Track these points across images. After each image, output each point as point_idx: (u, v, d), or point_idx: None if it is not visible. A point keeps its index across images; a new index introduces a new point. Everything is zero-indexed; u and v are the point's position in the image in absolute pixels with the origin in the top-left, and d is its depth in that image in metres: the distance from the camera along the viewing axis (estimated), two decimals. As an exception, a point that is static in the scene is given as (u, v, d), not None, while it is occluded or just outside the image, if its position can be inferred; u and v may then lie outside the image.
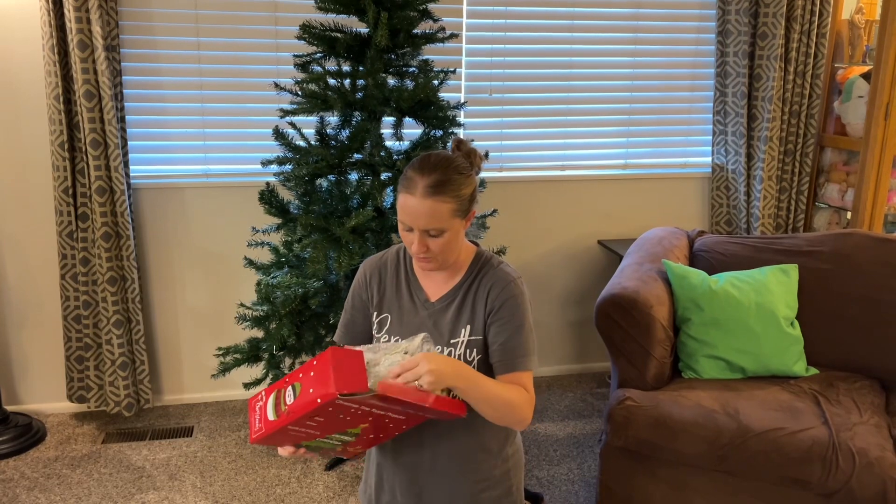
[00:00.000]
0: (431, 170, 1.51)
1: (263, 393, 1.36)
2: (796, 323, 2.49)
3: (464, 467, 1.69)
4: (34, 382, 3.19)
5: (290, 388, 1.28)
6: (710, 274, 2.55)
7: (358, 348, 1.36)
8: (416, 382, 1.32)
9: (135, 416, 3.18)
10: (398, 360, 1.37)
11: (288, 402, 1.26)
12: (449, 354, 1.60)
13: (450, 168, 1.52)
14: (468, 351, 1.60)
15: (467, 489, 1.69)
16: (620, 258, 3.06)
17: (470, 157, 1.60)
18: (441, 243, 1.53)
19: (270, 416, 1.29)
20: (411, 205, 1.50)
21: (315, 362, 1.25)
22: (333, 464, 2.80)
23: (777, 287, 2.46)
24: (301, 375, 1.27)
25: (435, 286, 1.65)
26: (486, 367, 1.63)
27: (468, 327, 1.61)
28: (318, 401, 1.19)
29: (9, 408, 3.13)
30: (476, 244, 1.70)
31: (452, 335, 1.61)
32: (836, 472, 1.96)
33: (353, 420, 1.32)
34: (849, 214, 3.41)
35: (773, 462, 2.03)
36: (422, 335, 1.47)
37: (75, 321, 3.01)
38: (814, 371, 2.46)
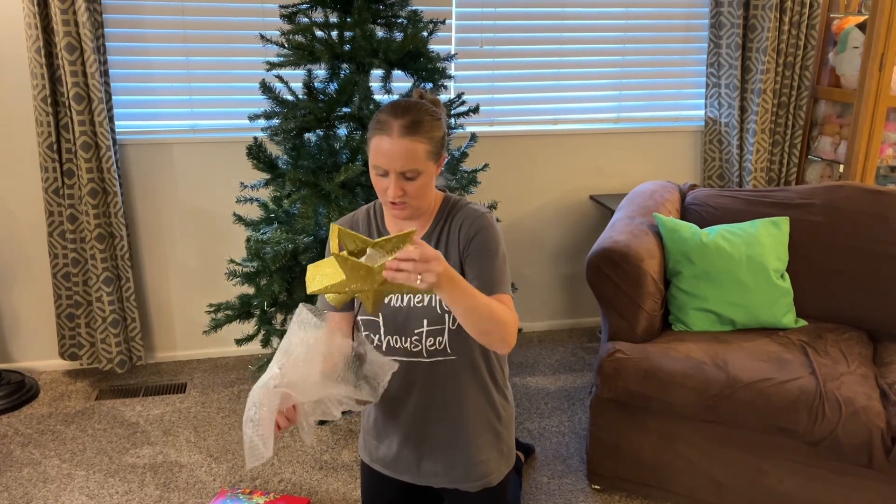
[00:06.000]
0: (404, 112, 1.52)
1: None
2: (786, 275, 2.49)
3: (457, 416, 1.71)
4: (26, 340, 3.19)
5: None
6: (701, 227, 2.54)
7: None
8: (419, 277, 1.27)
9: (128, 373, 3.19)
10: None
11: None
12: (430, 301, 1.62)
13: (421, 110, 1.54)
14: None
15: (461, 436, 1.72)
16: (612, 213, 3.05)
17: (435, 105, 1.61)
18: (416, 187, 1.53)
19: None
20: (387, 147, 1.50)
21: None
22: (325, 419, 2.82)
23: (768, 240, 2.46)
24: None
25: None
26: None
27: None
28: None
29: (1, 366, 3.13)
30: (444, 190, 1.71)
31: None
32: (822, 420, 1.99)
33: None
34: (841, 167, 3.40)
35: (761, 411, 2.05)
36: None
37: (65, 279, 3.00)
38: (803, 323, 2.48)
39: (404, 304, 1.64)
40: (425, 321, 1.62)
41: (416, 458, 1.75)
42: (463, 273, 1.61)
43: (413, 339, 1.64)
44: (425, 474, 1.77)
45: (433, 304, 1.61)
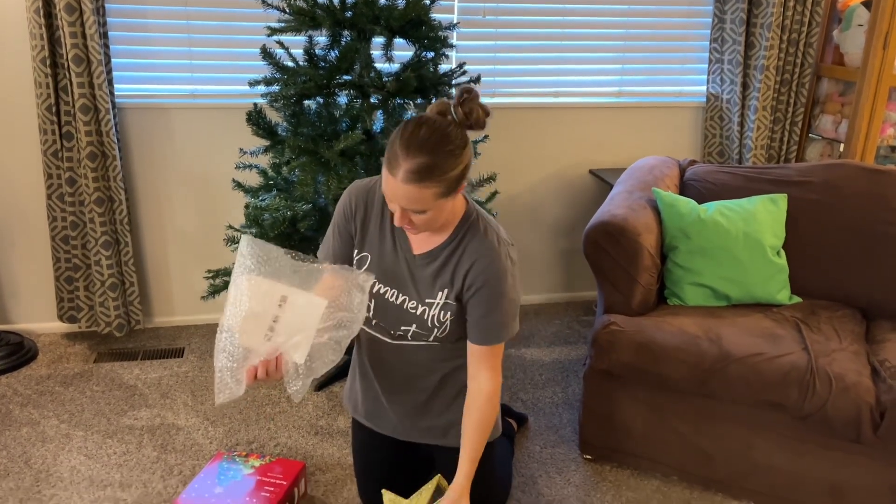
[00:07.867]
0: (417, 151, 1.37)
1: None
2: (782, 252, 2.51)
3: (436, 388, 1.74)
4: (24, 302, 3.20)
5: None
6: (699, 203, 2.55)
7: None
8: None
9: (126, 336, 3.21)
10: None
11: None
12: (423, 313, 1.61)
13: (439, 150, 1.38)
14: (442, 312, 1.61)
15: (438, 404, 1.75)
16: (611, 187, 3.05)
17: (470, 117, 1.45)
18: (424, 220, 1.46)
19: None
20: (391, 185, 1.39)
21: None
22: (323, 384, 2.85)
23: (765, 216, 2.47)
24: None
25: (420, 239, 1.62)
26: (458, 326, 1.65)
27: (445, 291, 1.59)
28: None
29: None
30: (467, 200, 1.62)
31: (428, 295, 1.60)
32: (812, 396, 2.01)
33: None
34: (841, 146, 3.39)
35: (752, 386, 2.08)
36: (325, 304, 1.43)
37: (63, 242, 3.00)
38: (797, 299, 2.50)
39: (398, 302, 1.63)
40: (414, 325, 1.63)
41: (397, 418, 1.79)
42: (462, 302, 1.61)
43: (398, 332, 1.65)
44: (404, 431, 1.81)
45: (425, 318, 1.61)
